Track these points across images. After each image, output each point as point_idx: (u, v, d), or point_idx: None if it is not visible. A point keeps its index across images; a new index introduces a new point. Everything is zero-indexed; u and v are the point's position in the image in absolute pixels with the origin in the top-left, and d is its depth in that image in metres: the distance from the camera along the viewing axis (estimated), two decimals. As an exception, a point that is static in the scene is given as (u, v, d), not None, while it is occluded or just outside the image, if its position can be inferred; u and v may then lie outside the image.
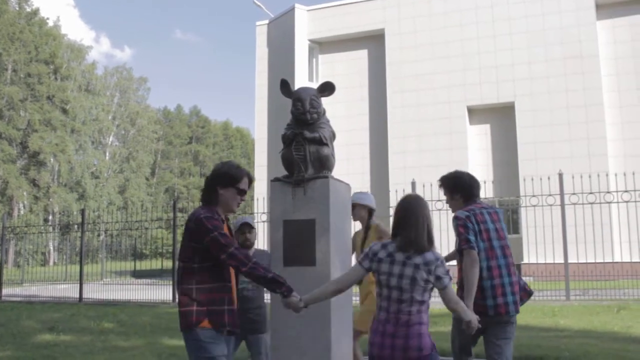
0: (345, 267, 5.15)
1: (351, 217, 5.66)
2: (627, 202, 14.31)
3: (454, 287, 3.70)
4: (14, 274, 28.95)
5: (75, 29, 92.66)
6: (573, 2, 23.81)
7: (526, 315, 11.76)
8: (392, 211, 14.75)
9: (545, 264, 17.15)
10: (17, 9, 52.85)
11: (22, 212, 50.95)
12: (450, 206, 4.90)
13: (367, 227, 6.02)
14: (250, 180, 4.09)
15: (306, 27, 27.58)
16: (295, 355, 4.78)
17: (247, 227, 5.50)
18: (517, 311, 4.48)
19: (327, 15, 27.56)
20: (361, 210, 5.97)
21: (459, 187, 4.75)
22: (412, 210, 3.55)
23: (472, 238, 4.40)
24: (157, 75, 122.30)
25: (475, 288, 4.35)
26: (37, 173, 51.38)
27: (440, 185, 4.89)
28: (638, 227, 15.06)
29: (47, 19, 55.23)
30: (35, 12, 53.68)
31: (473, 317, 3.67)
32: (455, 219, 4.54)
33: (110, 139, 65.24)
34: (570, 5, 23.84)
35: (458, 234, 4.49)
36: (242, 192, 4.01)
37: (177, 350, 8.39)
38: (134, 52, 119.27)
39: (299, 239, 4.87)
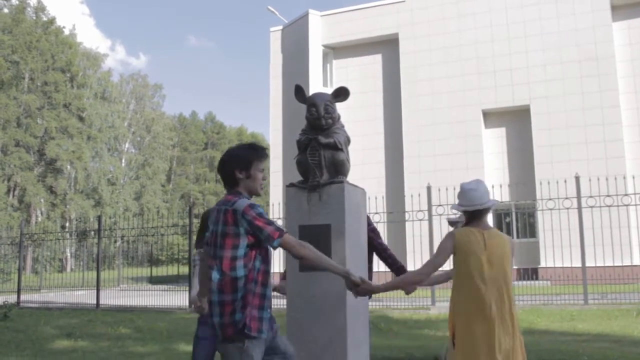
0: (362, 271, 5.14)
1: (366, 221, 5.62)
2: (645, 204, 14.16)
3: None
4: (32, 280, 29.18)
5: (91, 37, 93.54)
6: (588, 4, 23.65)
7: (545, 320, 11.69)
8: (407, 216, 14.65)
9: (562, 267, 17.00)
10: (34, 18, 53.42)
11: (39, 219, 51.41)
12: None
13: None
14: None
15: (320, 32, 27.63)
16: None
17: None
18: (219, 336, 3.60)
19: (340, 21, 27.59)
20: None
21: None
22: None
23: (206, 235, 3.81)
24: (172, 81, 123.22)
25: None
26: (54, 180, 51.82)
27: None
28: (657, 230, 14.92)
29: (63, 27, 55.84)
30: (52, 21, 54.19)
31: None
32: None
33: (126, 146, 65.68)
34: (585, 7, 23.68)
35: None
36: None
37: (193, 356, 8.38)
38: (149, 59, 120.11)
39: (315, 244, 4.85)
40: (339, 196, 4.89)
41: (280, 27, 29.30)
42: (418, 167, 24.67)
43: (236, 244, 3.49)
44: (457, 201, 4.24)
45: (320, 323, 4.71)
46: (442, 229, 15.43)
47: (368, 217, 5.64)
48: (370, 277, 5.47)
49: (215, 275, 3.50)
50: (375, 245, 5.59)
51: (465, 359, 3.89)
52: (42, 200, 51.13)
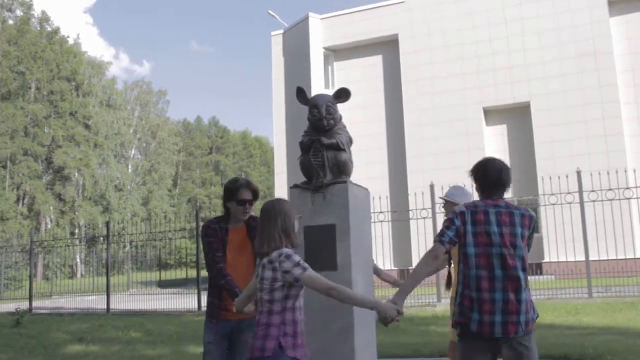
0: (367, 270, 5.14)
1: (371, 220, 5.61)
2: (646, 197, 14.13)
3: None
4: (43, 286, 29.26)
5: (95, 46, 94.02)
6: (585, 0, 23.60)
7: (550, 314, 11.67)
8: (411, 214, 14.64)
9: (566, 262, 17.01)
10: (39, 28, 53.55)
11: (49, 226, 51.53)
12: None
13: None
14: (253, 190, 4.48)
15: (321, 35, 27.63)
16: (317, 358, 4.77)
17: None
18: (504, 334, 3.60)
19: (340, 23, 27.59)
20: (450, 208, 5.26)
21: (477, 176, 4.04)
22: (260, 219, 3.60)
23: (448, 234, 3.77)
24: (175, 87, 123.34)
25: (416, 282, 3.84)
26: (63, 188, 51.93)
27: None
28: (659, 222, 14.86)
29: (68, 37, 55.97)
30: (56, 31, 54.33)
31: (378, 304, 3.50)
32: (452, 211, 3.96)
33: (132, 152, 65.81)
34: (582, 3, 23.63)
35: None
36: (242, 203, 4.40)
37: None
38: (152, 66, 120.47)
39: (320, 244, 4.86)
40: (342, 196, 4.88)
41: (281, 31, 29.31)
42: (421, 166, 24.63)
43: (526, 246, 3.78)
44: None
45: (328, 321, 4.71)
46: (446, 227, 15.41)
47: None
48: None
49: (521, 275, 3.65)
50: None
51: None
52: (51, 207, 51.23)
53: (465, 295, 3.73)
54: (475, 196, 4.10)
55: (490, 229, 3.71)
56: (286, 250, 3.44)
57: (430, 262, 3.78)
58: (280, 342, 3.39)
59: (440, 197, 5.63)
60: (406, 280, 3.84)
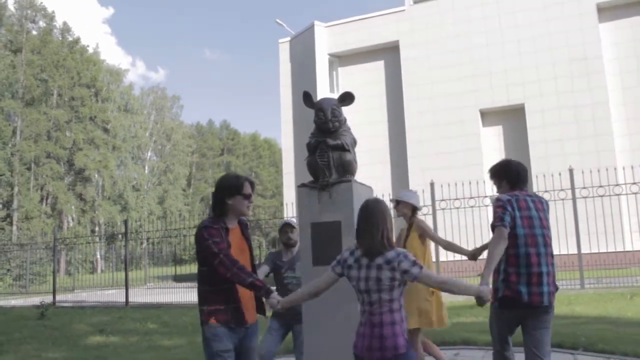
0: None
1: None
2: (635, 193, 14.10)
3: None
4: (66, 281, 29.34)
5: (113, 54, 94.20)
6: (576, 7, 23.53)
7: (543, 304, 11.62)
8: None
9: (559, 255, 16.95)
10: (61, 39, 53.71)
11: (71, 224, 51.68)
12: (498, 193, 4.67)
13: (410, 224, 5.84)
14: (252, 184, 4.24)
15: (326, 42, 27.60)
16: (324, 346, 4.78)
17: (288, 227, 5.74)
18: (549, 302, 4.19)
19: (345, 31, 27.55)
20: (404, 207, 5.85)
21: (504, 174, 4.52)
22: (367, 217, 3.46)
23: (506, 219, 4.18)
24: (188, 93, 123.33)
25: (495, 263, 4.12)
26: (83, 188, 52.09)
27: (490, 176, 4.70)
28: (647, 217, 14.80)
29: (88, 46, 56.11)
30: (77, 41, 54.47)
31: (481, 289, 3.58)
32: (497, 200, 4.35)
33: (149, 154, 65.90)
34: (573, 10, 23.55)
35: (494, 213, 4.29)
36: (248, 197, 4.12)
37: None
38: (167, 73, 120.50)
39: (326, 240, 4.86)
40: (347, 194, 4.88)
41: (288, 39, 29.29)
42: (421, 165, 24.60)
43: None
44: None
45: (333, 312, 4.71)
46: (445, 222, 15.41)
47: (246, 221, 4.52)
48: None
49: (552, 251, 4.35)
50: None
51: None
52: (72, 207, 51.39)
53: (510, 272, 4.18)
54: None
55: (531, 213, 4.27)
56: (402, 250, 3.40)
57: (502, 244, 4.15)
58: (405, 338, 3.36)
59: (391, 200, 6.09)
60: (486, 266, 4.12)
